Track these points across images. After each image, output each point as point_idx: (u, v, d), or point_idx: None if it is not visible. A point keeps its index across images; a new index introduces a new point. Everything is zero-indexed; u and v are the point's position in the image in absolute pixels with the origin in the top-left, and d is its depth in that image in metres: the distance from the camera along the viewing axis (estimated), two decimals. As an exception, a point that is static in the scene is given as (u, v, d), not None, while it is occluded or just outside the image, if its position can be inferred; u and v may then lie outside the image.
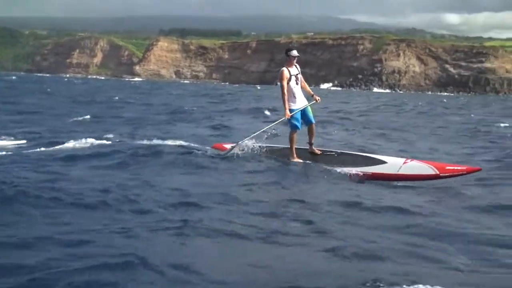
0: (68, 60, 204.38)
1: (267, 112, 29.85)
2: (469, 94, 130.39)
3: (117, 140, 15.03)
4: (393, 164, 10.97)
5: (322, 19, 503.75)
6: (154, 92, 60.47)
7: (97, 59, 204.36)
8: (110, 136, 15.96)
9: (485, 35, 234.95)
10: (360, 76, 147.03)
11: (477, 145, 18.42)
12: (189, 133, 17.78)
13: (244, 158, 12.16)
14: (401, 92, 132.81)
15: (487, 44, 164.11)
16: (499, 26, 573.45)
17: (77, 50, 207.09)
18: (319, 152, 12.44)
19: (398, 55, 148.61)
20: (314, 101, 12.37)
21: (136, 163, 11.32)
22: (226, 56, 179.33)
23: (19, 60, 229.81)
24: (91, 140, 14.23)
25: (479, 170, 10.55)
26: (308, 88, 12.65)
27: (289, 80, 12.07)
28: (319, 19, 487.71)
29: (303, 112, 12.30)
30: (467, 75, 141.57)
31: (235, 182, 9.94)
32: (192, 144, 14.16)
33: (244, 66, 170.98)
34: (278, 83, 12.46)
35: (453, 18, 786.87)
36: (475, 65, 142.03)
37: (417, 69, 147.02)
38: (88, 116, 23.44)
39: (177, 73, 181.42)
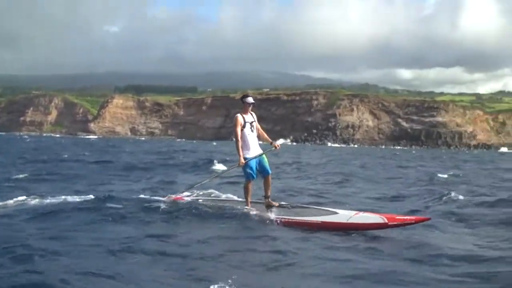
0: (22, 118, 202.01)
1: (216, 167, 29.61)
2: (422, 148, 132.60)
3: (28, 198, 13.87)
4: (344, 214, 10.78)
5: (278, 75, 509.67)
6: (108, 149, 59.87)
7: (52, 117, 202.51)
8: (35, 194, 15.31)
9: (437, 90, 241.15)
10: (314, 131, 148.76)
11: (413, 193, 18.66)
12: (120, 189, 17.30)
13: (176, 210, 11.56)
14: (355, 146, 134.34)
15: (438, 98, 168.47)
16: (450, 81, 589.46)
17: (31, 108, 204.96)
18: (276, 204, 11.83)
19: (352, 110, 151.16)
20: (273, 148, 11.86)
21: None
22: (182, 113, 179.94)
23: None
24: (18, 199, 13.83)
25: (428, 219, 10.51)
26: (265, 135, 12.10)
27: (244, 127, 11.56)
28: (274, 75, 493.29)
29: (259, 162, 11.66)
30: (419, 129, 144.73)
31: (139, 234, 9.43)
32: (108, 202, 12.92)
33: (199, 122, 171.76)
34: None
35: (405, 74, 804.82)
36: (426, 119, 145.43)
37: (370, 123, 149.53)
38: (25, 175, 22.91)
39: (133, 130, 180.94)
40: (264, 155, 11.71)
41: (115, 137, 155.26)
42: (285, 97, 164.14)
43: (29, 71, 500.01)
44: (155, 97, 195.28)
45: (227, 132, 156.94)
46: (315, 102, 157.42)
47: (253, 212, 11.32)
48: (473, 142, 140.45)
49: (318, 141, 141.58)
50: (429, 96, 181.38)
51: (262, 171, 11.72)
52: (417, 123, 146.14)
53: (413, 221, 10.22)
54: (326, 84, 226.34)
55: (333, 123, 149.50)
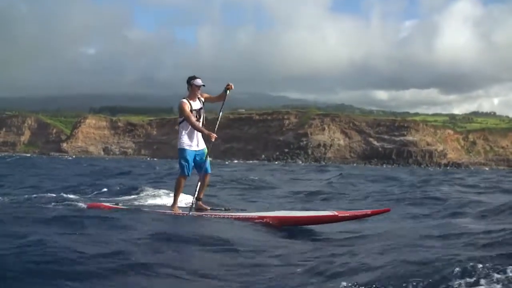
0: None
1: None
2: (393, 166, 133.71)
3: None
4: (285, 212, 10.35)
5: (253, 96, 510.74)
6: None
7: (25, 137, 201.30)
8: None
9: (412, 111, 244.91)
10: (286, 150, 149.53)
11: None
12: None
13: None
14: (326, 164, 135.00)
15: (411, 118, 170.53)
16: (425, 102, 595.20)
17: (4, 129, 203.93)
18: (208, 208, 10.62)
19: (323, 129, 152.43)
20: (228, 89, 10.54)
21: None
22: (155, 132, 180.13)
23: None
24: None
25: (387, 211, 9.93)
26: (215, 95, 10.84)
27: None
28: (250, 96, 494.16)
29: (199, 158, 10.41)
30: (390, 147, 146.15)
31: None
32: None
33: (173, 141, 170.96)
34: (179, 118, 10.42)
35: (382, 95, 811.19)
36: (397, 138, 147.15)
37: (342, 142, 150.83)
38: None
39: (106, 149, 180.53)
40: (205, 150, 10.51)
41: (88, 157, 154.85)
42: (257, 117, 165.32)
43: (1, 92, 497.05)
44: (128, 117, 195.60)
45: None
46: (286, 122, 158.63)
47: (184, 214, 10.06)
48: (444, 161, 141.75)
49: (289, 160, 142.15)
50: (404, 117, 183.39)
51: (201, 168, 10.42)
52: (388, 142, 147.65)
53: (369, 213, 9.66)
54: (301, 104, 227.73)
55: (304, 142, 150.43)
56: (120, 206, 11.84)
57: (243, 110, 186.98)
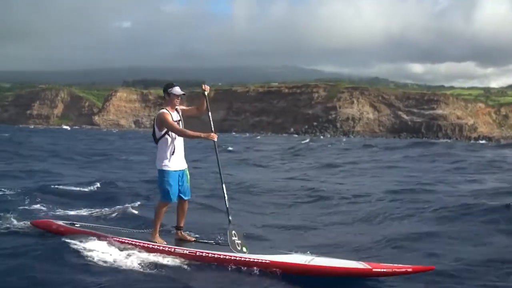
0: (28, 112, 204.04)
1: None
2: (422, 140, 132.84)
3: None
4: (300, 257, 8.02)
5: (287, 69, 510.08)
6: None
7: (58, 110, 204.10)
8: None
9: (448, 84, 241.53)
10: (315, 123, 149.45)
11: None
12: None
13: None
14: (355, 138, 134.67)
15: (443, 92, 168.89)
16: (462, 76, 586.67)
17: (38, 102, 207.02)
18: (191, 239, 9.11)
19: (352, 103, 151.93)
20: (204, 91, 9.37)
21: None
22: (185, 106, 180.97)
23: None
24: None
25: (431, 269, 7.56)
26: (191, 108, 9.78)
27: None
28: (284, 70, 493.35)
29: (181, 179, 8.92)
30: (419, 121, 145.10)
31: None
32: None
33: (203, 115, 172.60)
34: (159, 133, 8.88)
35: (417, 68, 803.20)
36: (427, 112, 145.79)
37: (370, 115, 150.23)
38: None
39: (136, 122, 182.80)
40: (187, 171, 9.08)
41: (119, 130, 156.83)
42: (287, 90, 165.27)
43: (38, 67, 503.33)
44: (159, 90, 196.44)
45: (229, 125, 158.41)
46: (315, 95, 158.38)
47: (165, 248, 8.50)
48: (474, 135, 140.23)
49: (318, 133, 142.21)
50: (436, 90, 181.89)
51: (180, 192, 8.92)
52: (417, 115, 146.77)
53: (410, 271, 7.44)
54: (334, 78, 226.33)
55: (333, 116, 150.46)
56: (76, 227, 9.52)
57: (276, 83, 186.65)
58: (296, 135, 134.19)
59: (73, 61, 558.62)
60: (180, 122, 9.01)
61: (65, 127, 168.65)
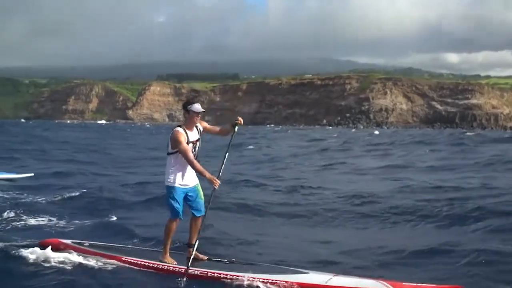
0: (64, 107, 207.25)
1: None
2: (457, 130, 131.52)
3: None
4: (317, 277, 7.56)
5: (322, 61, 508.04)
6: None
7: (93, 105, 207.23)
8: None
9: (484, 73, 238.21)
10: (347, 115, 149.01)
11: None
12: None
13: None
14: (388, 129, 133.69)
15: (478, 81, 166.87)
16: (499, 65, 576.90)
17: (73, 97, 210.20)
18: (203, 258, 8.43)
19: (385, 93, 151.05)
20: (237, 123, 8.45)
21: None
22: (218, 99, 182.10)
23: (19, 108, 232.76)
24: None
25: None
26: (221, 128, 8.78)
27: None
28: (318, 61, 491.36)
29: (190, 196, 8.27)
30: (453, 111, 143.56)
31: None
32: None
33: (236, 107, 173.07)
34: (170, 149, 8.20)
35: (453, 58, 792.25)
36: (461, 102, 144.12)
37: (404, 106, 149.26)
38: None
39: (170, 116, 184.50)
40: (199, 187, 8.38)
41: (152, 124, 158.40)
42: (319, 82, 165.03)
43: (73, 62, 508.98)
44: (192, 83, 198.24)
45: (262, 118, 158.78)
46: (348, 86, 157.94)
47: (176, 269, 8.04)
48: (510, 124, 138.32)
49: (351, 125, 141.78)
50: (472, 80, 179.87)
51: (193, 208, 8.36)
52: (451, 105, 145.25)
53: None
54: (368, 69, 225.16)
55: (366, 107, 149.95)
56: (85, 246, 8.88)
57: (310, 75, 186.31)
58: (329, 127, 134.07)
59: (108, 56, 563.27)
60: (198, 142, 8.23)
61: (100, 122, 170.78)
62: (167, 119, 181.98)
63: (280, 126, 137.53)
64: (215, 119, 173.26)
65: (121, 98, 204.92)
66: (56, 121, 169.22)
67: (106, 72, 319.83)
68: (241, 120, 8.47)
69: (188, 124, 8.09)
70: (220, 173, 8.11)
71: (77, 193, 15.15)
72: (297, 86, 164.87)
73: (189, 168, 8.08)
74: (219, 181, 7.89)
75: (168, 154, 8.25)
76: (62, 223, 11.59)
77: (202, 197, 8.37)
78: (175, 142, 7.94)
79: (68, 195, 14.88)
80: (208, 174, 7.83)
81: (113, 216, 12.15)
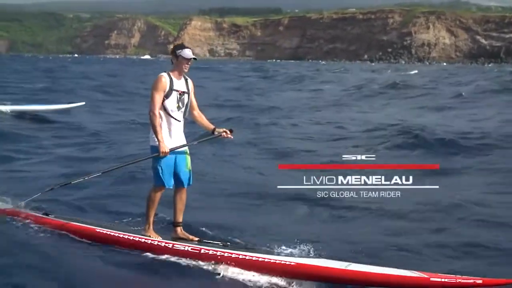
0: (106, 42, 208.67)
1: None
2: (501, 65, 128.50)
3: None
4: (333, 262, 5.93)
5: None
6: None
7: (135, 40, 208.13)
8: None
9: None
10: (389, 50, 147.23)
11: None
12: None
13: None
14: (430, 64, 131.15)
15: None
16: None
17: (115, 32, 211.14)
18: (193, 239, 6.66)
19: (428, 28, 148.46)
20: (220, 136, 6.78)
21: None
22: (259, 34, 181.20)
23: (62, 42, 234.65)
24: None
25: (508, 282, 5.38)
26: (204, 119, 6.79)
27: (167, 96, 6.39)
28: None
29: (178, 161, 6.63)
30: (499, 45, 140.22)
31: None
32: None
33: (277, 42, 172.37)
34: None
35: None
36: (507, 35, 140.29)
37: (447, 41, 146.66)
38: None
39: (211, 51, 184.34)
40: (187, 153, 6.72)
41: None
42: (361, 16, 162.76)
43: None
44: (233, 18, 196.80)
45: (303, 52, 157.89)
46: (390, 21, 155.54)
47: (162, 245, 6.39)
48: None
49: (392, 60, 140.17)
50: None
51: (177, 177, 6.70)
52: (496, 39, 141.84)
53: (479, 283, 5.35)
54: (413, 2, 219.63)
55: (408, 42, 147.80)
56: (50, 217, 7.28)
57: (353, 9, 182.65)
58: (371, 63, 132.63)
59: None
60: (186, 96, 6.52)
61: (144, 57, 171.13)
62: (208, 54, 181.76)
63: (321, 61, 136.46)
64: (256, 54, 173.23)
65: (162, 32, 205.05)
66: (101, 57, 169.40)
67: (148, 6, 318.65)
68: (230, 135, 6.70)
69: (176, 71, 6.48)
70: (170, 150, 6.26)
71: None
72: (339, 21, 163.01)
73: (178, 127, 6.57)
74: (166, 152, 6.24)
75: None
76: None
77: (190, 166, 6.72)
78: (152, 87, 6.45)
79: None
80: (161, 140, 6.26)
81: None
